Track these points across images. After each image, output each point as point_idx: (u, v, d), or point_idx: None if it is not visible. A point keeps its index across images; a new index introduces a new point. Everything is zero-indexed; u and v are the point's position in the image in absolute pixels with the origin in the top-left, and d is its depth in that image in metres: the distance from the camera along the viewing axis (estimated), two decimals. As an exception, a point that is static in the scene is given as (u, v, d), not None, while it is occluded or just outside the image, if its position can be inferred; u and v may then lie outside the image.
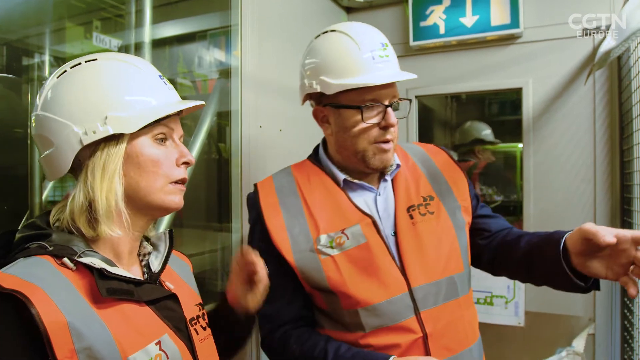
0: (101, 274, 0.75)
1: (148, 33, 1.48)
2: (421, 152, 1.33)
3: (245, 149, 1.69)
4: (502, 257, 1.22)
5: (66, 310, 0.69)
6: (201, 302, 0.98)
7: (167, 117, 0.85)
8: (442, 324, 1.09)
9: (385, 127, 1.13)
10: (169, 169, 0.85)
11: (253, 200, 1.23)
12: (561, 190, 2.09)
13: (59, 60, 1.69)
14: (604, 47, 1.30)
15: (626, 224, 1.88)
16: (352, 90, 1.12)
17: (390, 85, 1.14)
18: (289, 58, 1.79)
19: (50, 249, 0.76)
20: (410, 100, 1.21)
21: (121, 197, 0.81)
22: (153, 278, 0.89)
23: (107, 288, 0.74)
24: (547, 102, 2.13)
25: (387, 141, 1.14)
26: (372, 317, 1.09)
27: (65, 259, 0.75)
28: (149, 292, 0.82)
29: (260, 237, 1.18)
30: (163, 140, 0.86)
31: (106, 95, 0.80)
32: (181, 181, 0.87)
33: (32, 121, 0.83)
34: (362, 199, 1.20)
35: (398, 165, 1.23)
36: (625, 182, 1.92)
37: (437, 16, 2.28)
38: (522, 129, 2.18)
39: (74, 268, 0.75)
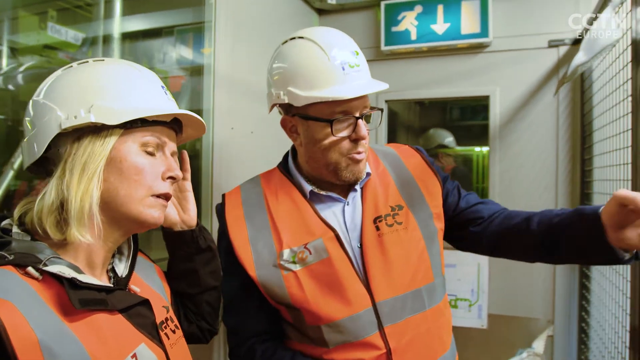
0: (72, 283, 0.69)
1: (117, 26, 1.40)
2: (393, 155, 1.28)
3: (217, 152, 1.63)
4: (508, 242, 1.17)
5: (36, 325, 0.63)
6: (167, 304, 0.93)
7: (158, 124, 0.82)
8: (406, 338, 1.07)
9: (355, 139, 1.09)
10: (152, 180, 0.80)
11: (219, 211, 1.21)
12: (524, 197, 2.16)
13: (12, 51, 1.59)
14: (576, 61, 1.34)
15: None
16: (321, 103, 1.06)
17: (361, 96, 1.07)
18: (261, 59, 1.73)
19: (11, 258, 0.68)
20: (382, 110, 1.16)
21: (96, 201, 0.75)
22: (121, 283, 0.84)
23: (79, 299, 0.69)
24: (513, 111, 2.20)
25: (358, 153, 1.11)
26: (334, 333, 1.06)
27: (30, 268, 0.68)
28: (122, 300, 0.77)
29: (226, 250, 1.16)
30: (152, 152, 0.82)
31: (98, 85, 0.78)
32: (164, 196, 0.82)
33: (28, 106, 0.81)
34: (331, 210, 1.17)
35: (368, 174, 1.19)
36: (585, 190, 2.00)
37: (408, 22, 2.29)
38: (488, 135, 2.23)
39: (40, 277, 0.69)
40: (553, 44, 2.14)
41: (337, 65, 1.06)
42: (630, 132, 1.29)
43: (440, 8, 2.24)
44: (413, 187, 1.21)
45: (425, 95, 2.41)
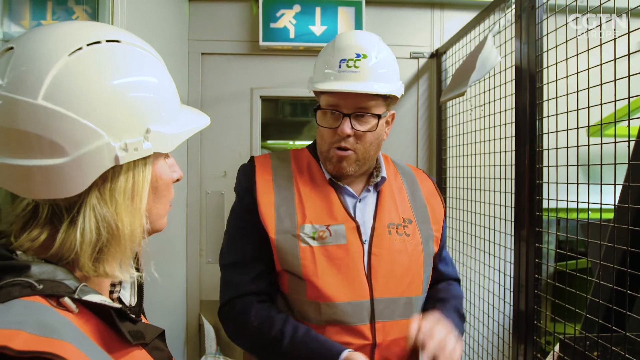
0: (120, 314, 0.59)
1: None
2: (411, 173, 1.36)
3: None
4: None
5: None
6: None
7: None
8: (391, 337, 1.14)
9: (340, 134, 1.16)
10: (170, 189, 0.71)
11: (248, 171, 1.23)
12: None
13: None
14: (473, 78, 1.55)
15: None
16: (324, 94, 1.18)
17: (354, 95, 1.13)
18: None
19: (40, 287, 0.54)
20: (379, 117, 1.16)
21: (146, 231, 0.64)
22: (135, 314, 0.72)
23: (129, 331, 0.59)
24: (380, 113, 2.41)
25: (340, 147, 1.16)
26: (331, 312, 1.11)
27: (67, 300, 0.55)
28: (148, 332, 0.66)
29: (247, 209, 1.18)
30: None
31: (148, 100, 0.61)
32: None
33: (7, 106, 0.54)
34: (347, 201, 1.22)
35: (383, 178, 1.25)
36: (442, 185, 2.33)
37: (287, 20, 2.32)
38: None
39: (77, 311, 0.56)
40: (414, 56, 2.41)
41: (337, 63, 1.16)
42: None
43: (318, 10, 2.32)
44: (422, 208, 1.30)
45: (298, 94, 2.47)
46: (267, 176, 1.22)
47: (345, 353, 1.04)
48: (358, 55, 1.15)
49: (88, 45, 0.58)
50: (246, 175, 1.23)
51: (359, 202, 1.23)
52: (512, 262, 1.57)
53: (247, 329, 1.13)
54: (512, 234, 1.58)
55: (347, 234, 1.15)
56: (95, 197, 0.59)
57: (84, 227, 0.58)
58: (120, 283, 0.73)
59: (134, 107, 0.59)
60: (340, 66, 1.15)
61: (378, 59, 1.16)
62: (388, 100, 1.20)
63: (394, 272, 1.17)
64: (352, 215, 1.19)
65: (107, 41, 0.60)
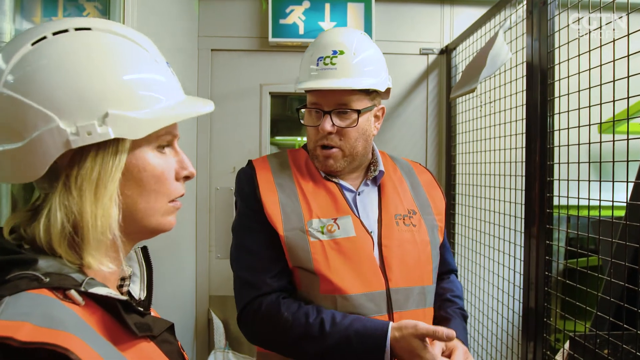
0: (126, 306, 0.59)
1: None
2: (409, 166, 1.38)
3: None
4: None
5: (106, 357, 0.53)
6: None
7: None
8: None
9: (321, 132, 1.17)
10: (170, 185, 0.68)
11: (249, 175, 1.23)
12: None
13: None
14: (483, 75, 1.54)
15: (450, 217, 2.28)
16: (308, 92, 1.20)
17: (332, 92, 1.15)
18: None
19: (46, 280, 0.54)
20: (358, 112, 1.16)
21: (117, 222, 0.61)
22: (142, 306, 0.72)
23: (135, 323, 0.59)
24: (389, 110, 2.40)
25: (323, 144, 1.18)
26: (348, 305, 1.10)
27: (73, 292, 0.55)
28: (156, 325, 0.66)
29: (253, 210, 1.18)
30: (164, 150, 0.68)
31: (108, 85, 0.59)
32: (179, 198, 0.71)
33: None
34: (347, 195, 1.23)
35: (382, 172, 1.26)
36: (451, 181, 2.32)
37: (296, 16, 2.32)
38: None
39: (83, 303, 0.56)
40: (424, 52, 2.40)
41: (315, 61, 1.17)
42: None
43: (327, 6, 2.31)
44: (424, 198, 1.31)
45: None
46: (268, 177, 1.22)
47: (392, 324, 1.05)
48: (335, 52, 1.17)
49: (54, 34, 0.58)
50: (247, 178, 1.23)
51: (358, 195, 1.24)
52: (522, 259, 1.57)
53: (280, 324, 1.10)
54: (522, 231, 1.57)
55: (354, 226, 1.16)
56: (62, 187, 0.59)
57: (51, 217, 0.58)
58: (130, 277, 0.74)
59: (87, 91, 0.58)
60: (318, 64, 1.17)
61: (357, 54, 1.17)
62: (373, 94, 1.20)
63: (406, 262, 1.17)
64: (353, 208, 1.20)
65: (76, 29, 0.60)
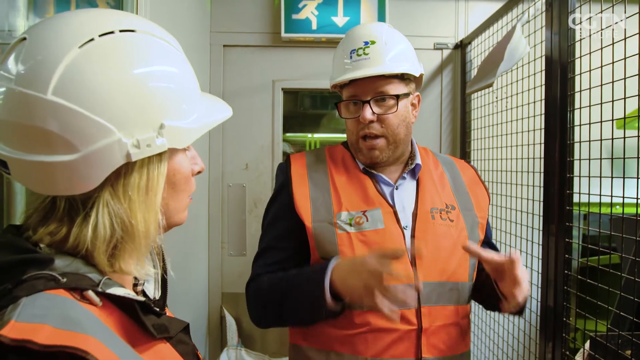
0: (143, 307, 0.58)
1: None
2: (451, 162, 1.37)
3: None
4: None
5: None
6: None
7: None
8: (438, 323, 1.12)
9: (362, 122, 1.18)
10: (192, 182, 0.69)
11: (284, 168, 1.27)
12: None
13: None
14: (501, 69, 1.52)
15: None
16: (344, 86, 1.23)
17: (369, 81, 1.16)
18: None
19: (64, 280, 0.53)
20: (397, 97, 1.17)
21: (160, 227, 0.62)
22: (158, 307, 0.71)
23: (153, 325, 0.58)
24: (403, 105, 2.37)
25: (365, 134, 1.18)
26: None
27: (90, 293, 0.54)
28: (173, 326, 0.65)
29: (284, 202, 1.22)
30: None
31: (165, 95, 0.59)
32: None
33: (17, 101, 0.53)
34: (383, 189, 1.24)
35: (418, 165, 1.26)
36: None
37: (309, 11, 2.30)
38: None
39: (100, 304, 0.55)
40: (438, 47, 2.37)
41: (346, 55, 1.21)
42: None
43: (340, 1, 2.29)
44: (465, 195, 1.29)
45: (320, 85, 2.45)
46: (302, 171, 1.25)
47: (334, 261, 1.07)
48: (366, 43, 1.19)
49: (100, 36, 0.55)
50: (282, 171, 1.27)
51: (396, 189, 1.23)
52: (540, 257, 1.54)
53: (260, 295, 1.16)
54: (541, 228, 1.54)
55: (384, 219, 1.15)
56: (108, 193, 0.57)
57: (96, 223, 0.57)
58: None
59: (147, 102, 0.57)
60: (351, 57, 1.19)
61: (388, 42, 1.19)
62: (407, 80, 1.22)
63: (439, 256, 1.15)
64: (389, 201, 1.19)
65: (121, 31, 0.57)
